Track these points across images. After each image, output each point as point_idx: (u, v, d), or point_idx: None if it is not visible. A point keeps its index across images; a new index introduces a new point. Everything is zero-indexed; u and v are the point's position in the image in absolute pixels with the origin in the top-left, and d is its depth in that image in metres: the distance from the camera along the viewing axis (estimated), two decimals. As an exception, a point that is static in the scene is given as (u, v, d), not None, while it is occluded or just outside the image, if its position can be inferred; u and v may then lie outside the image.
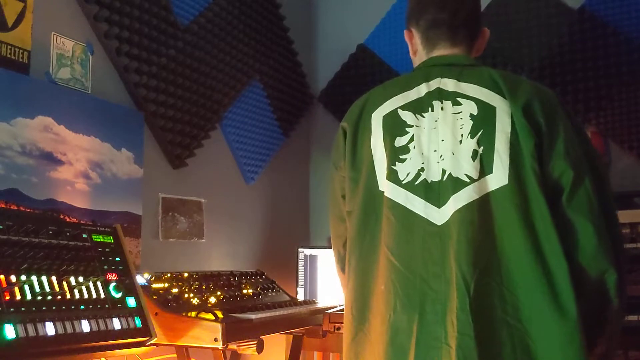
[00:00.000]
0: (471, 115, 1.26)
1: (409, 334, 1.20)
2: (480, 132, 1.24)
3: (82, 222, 1.81)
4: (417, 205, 1.25)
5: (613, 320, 1.24)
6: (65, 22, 2.01)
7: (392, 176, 1.28)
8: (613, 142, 2.76)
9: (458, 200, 1.21)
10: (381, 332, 1.24)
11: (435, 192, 1.24)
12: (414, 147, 1.28)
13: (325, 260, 2.77)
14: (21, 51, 1.83)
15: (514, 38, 2.96)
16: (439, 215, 1.23)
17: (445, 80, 1.31)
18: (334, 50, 3.48)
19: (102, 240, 1.66)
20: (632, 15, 2.76)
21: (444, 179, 1.24)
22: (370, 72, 3.35)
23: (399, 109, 1.32)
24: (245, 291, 2.18)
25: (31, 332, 1.30)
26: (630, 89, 2.73)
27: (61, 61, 1.97)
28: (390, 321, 1.23)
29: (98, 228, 1.68)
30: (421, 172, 1.26)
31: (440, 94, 1.30)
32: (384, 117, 1.34)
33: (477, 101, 1.26)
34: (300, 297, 2.74)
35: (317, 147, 3.50)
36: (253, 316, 1.85)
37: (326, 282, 2.76)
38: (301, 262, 2.81)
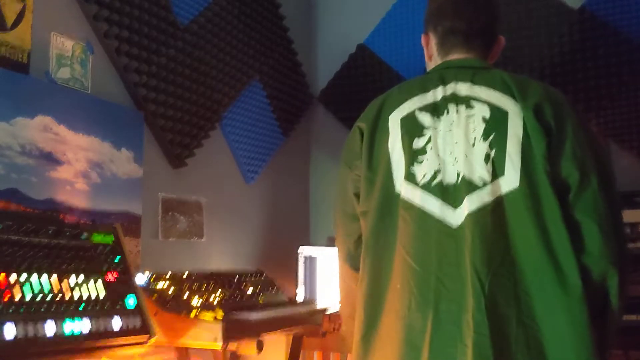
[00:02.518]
0: (483, 118, 1.28)
1: (423, 332, 1.22)
2: (492, 135, 1.26)
3: (81, 221, 1.81)
4: (433, 206, 1.27)
5: (612, 316, 1.28)
6: (65, 21, 2.00)
7: (410, 177, 1.30)
8: (613, 141, 2.76)
9: (472, 203, 1.23)
10: (395, 330, 1.26)
11: (450, 194, 1.26)
12: (431, 149, 1.30)
13: (325, 260, 2.77)
14: (21, 51, 1.83)
15: (514, 38, 2.96)
16: (455, 217, 1.24)
17: (460, 84, 1.33)
18: (334, 50, 3.48)
19: (101, 240, 1.66)
20: (632, 15, 2.76)
21: (459, 182, 1.26)
22: (370, 72, 3.34)
23: (416, 111, 1.34)
24: (245, 291, 2.18)
25: (31, 332, 1.30)
26: (630, 89, 2.73)
27: (61, 61, 1.97)
28: (405, 319, 1.25)
29: (98, 228, 1.68)
30: (437, 174, 1.28)
31: (455, 99, 1.32)
32: (401, 119, 1.35)
33: (490, 105, 1.29)
34: (300, 296, 2.74)
35: (317, 146, 3.50)
36: (253, 316, 1.84)
37: (326, 282, 2.76)
38: (301, 262, 2.81)
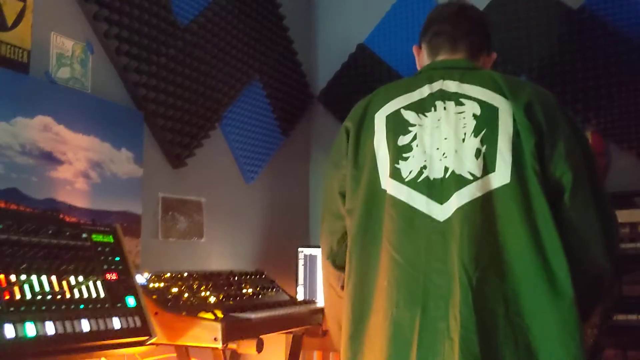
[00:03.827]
0: (474, 115, 1.29)
1: (412, 329, 1.22)
2: (484, 132, 1.27)
3: (81, 221, 1.81)
4: (419, 202, 1.27)
5: (602, 314, 1.31)
6: (65, 21, 2.01)
7: (395, 174, 1.31)
8: (612, 141, 2.77)
9: (461, 197, 1.23)
10: (383, 327, 1.26)
11: (437, 189, 1.26)
12: (417, 146, 1.31)
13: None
14: (21, 51, 1.83)
15: (514, 38, 2.96)
16: (441, 212, 1.25)
17: (448, 82, 1.35)
18: (334, 50, 3.48)
19: (101, 239, 1.66)
20: (631, 15, 2.76)
21: (447, 176, 1.26)
22: (370, 72, 3.35)
23: (402, 109, 1.35)
24: (244, 291, 2.18)
25: (31, 332, 1.30)
26: (629, 89, 2.73)
27: (61, 61, 1.97)
28: (392, 317, 1.25)
29: (98, 228, 1.68)
30: (424, 170, 1.29)
31: (443, 95, 1.33)
32: (387, 117, 1.36)
33: (480, 102, 1.30)
34: (300, 296, 2.74)
35: (317, 146, 3.50)
36: (253, 316, 1.85)
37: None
38: (301, 262, 2.81)
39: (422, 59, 1.51)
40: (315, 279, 2.79)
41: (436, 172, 1.27)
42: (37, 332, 1.31)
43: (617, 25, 2.78)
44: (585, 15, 2.85)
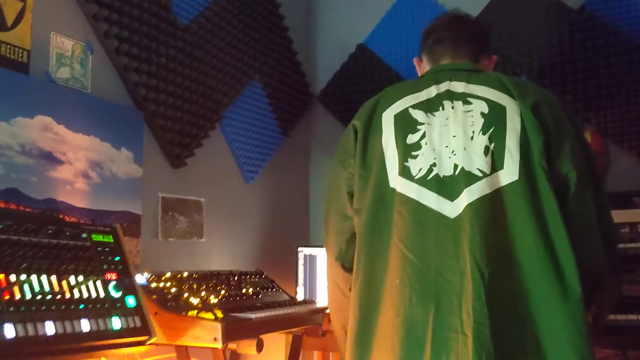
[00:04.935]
0: (482, 113, 1.30)
1: (425, 326, 1.22)
2: (492, 130, 1.28)
3: (81, 221, 1.81)
4: (430, 199, 1.28)
5: (602, 310, 1.34)
6: (65, 21, 2.01)
7: (405, 172, 1.32)
8: (613, 141, 2.76)
9: (471, 194, 1.25)
10: (394, 326, 1.26)
11: (447, 186, 1.27)
12: (426, 144, 1.32)
13: (325, 260, 2.77)
14: (21, 51, 1.83)
15: (514, 38, 2.96)
16: (452, 209, 1.26)
17: (455, 83, 1.36)
18: (333, 50, 3.48)
19: (101, 239, 1.66)
20: (632, 15, 2.76)
21: (457, 173, 1.27)
22: (370, 72, 3.34)
23: (409, 108, 1.37)
24: (244, 291, 2.18)
25: (31, 332, 1.30)
26: (630, 89, 2.73)
27: (61, 60, 1.97)
28: (405, 314, 1.25)
29: (97, 228, 1.68)
30: (433, 167, 1.30)
31: (450, 95, 1.35)
32: (395, 116, 1.38)
33: (488, 101, 1.32)
34: (300, 296, 2.74)
35: (317, 146, 3.50)
36: (252, 315, 1.85)
37: (326, 281, 2.76)
38: (301, 262, 2.81)
39: (423, 69, 1.53)
40: (315, 279, 2.79)
41: (446, 170, 1.28)
42: (37, 332, 1.31)
43: (617, 25, 2.77)
44: (585, 15, 2.85)
